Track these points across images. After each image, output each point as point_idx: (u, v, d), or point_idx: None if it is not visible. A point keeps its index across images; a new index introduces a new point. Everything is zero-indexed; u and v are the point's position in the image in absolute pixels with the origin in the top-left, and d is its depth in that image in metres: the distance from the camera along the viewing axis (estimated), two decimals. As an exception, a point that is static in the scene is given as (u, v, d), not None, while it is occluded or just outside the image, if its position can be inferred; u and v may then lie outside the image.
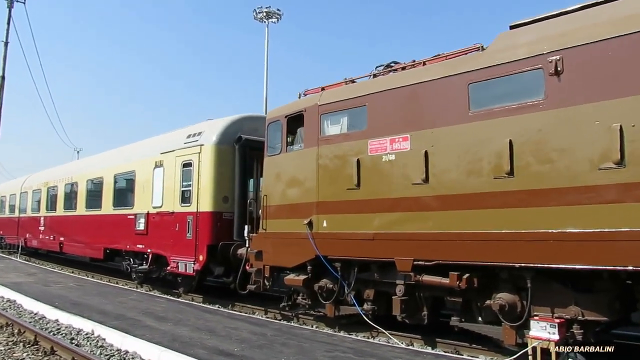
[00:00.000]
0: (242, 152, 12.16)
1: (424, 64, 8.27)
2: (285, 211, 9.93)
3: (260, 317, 10.53)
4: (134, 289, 14.62)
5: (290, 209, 9.77)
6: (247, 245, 11.16)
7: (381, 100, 8.38)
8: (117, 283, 16.75)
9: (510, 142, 6.70)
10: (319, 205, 9.08)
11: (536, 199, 6.47)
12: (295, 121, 10.01)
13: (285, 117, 10.11)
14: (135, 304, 11.26)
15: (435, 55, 8.37)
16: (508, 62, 6.89)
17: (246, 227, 11.19)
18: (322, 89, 9.76)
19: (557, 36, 6.58)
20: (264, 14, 40.32)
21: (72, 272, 20.07)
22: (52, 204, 22.19)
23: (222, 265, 12.27)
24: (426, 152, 7.60)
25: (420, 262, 7.58)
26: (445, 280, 7.33)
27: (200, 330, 8.35)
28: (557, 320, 6.41)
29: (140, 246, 14.46)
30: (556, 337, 6.34)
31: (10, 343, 8.04)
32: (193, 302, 12.18)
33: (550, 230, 6.29)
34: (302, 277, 9.47)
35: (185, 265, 12.38)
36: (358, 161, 8.50)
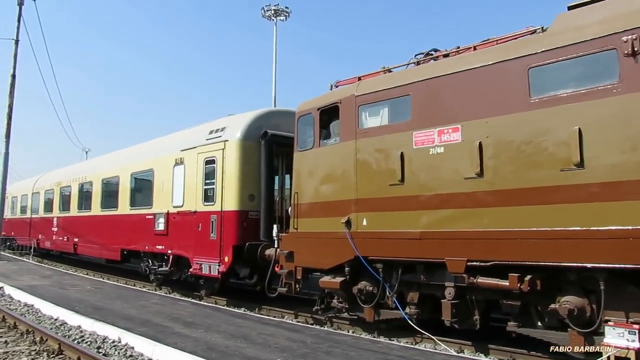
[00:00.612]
0: (268, 147, 11.59)
1: (475, 48, 7.67)
2: (319, 209, 9.36)
3: (294, 322, 9.96)
4: (154, 292, 14.12)
5: (325, 207, 9.20)
6: (275, 246, 10.60)
7: (427, 89, 7.79)
8: (134, 285, 16.26)
9: (580, 131, 6.10)
10: (358, 202, 8.51)
11: (611, 192, 5.86)
12: (328, 114, 9.44)
13: (318, 109, 9.54)
14: (159, 308, 10.72)
15: (485, 40, 7.78)
16: (575, 44, 6.28)
17: (275, 226, 10.63)
18: (359, 78, 9.18)
19: (632, 14, 5.97)
20: (272, 12, 39.90)
21: (87, 274, 19.64)
22: (65, 204, 21.76)
23: (247, 267, 11.73)
24: (480, 144, 7.01)
25: (474, 263, 6.99)
26: (504, 283, 6.73)
27: (235, 338, 7.79)
28: (637, 327, 5.81)
29: (160, 247, 13.95)
30: (636, 344, 5.75)
31: (33, 353, 7.50)
32: (219, 306, 11.63)
33: (628, 227, 5.69)
34: (339, 279, 8.90)
35: (210, 266, 11.84)
36: (402, 155, 7.92)
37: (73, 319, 9.56)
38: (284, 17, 41.06)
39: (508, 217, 6.70)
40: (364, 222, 8.41)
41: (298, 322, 10.29)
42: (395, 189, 7.99)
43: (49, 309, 10.75)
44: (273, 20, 40.31)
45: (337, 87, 10.10)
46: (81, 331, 8.76)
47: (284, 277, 10.13)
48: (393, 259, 8.07)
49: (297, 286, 9.97)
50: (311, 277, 10.13)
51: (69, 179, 21.77)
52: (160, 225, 13.90)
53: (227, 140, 11.77)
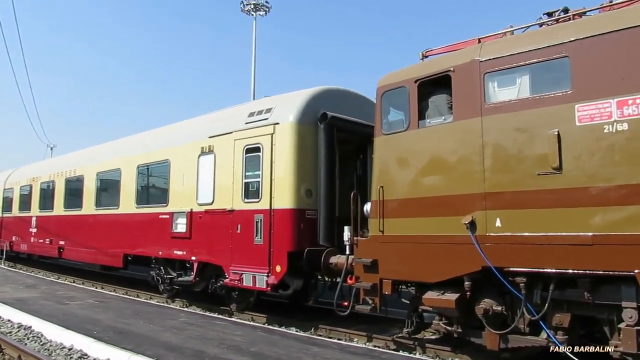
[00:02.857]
0: (328, 133, 9.54)
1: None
2: (419, 207, 7.39)
3: (384, 350, 7.91)
4: (175, 307, 11.82)
5: (429, 204, 7.24)
6: (347, 253, 8.58)
7: (596, 48, 5.94)
8: (137, 296, 13.92)
9: None
10: (488, 197, 6.58)
11: None
12: (430, 87, 7.52)
13: (416, 81, 7.58)
14: (199, 330, 8.52)
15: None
16: None
17: (346, 228, 8.59)
18: (479, 40, 7.28)
19: None
20: (252, 6, 38.34)
21: (75, 282, 17.13)
22: (47, 201, 19.02)
23: (300, 278, 9.67)
24: (694, 118, 5.21)
25: (685, 278, 5.18)
26: None
27: (341, 379, 5.75)
28: None
29: (179, 252, 11.66)
30: None
31: (66, 410, 5.26)
32: (272, 327, 9.41)
33: None
34: (454, 296, 6.96)
35: (254, 277, 9.67)
36: (558, 134, 6.04)
37: (95, 348, 7.31)
38: (264, 12, 39.62)
39: None
40: (498, 223, 6.49)
41: (377, 347, 8.29)
42: (548, 179, 6.11)
43: (54, 332, 8.41)
44: (252, 15, 38.78)
45: (426, 57, 8.22)
46: (115, 368, 6.54)
47: (363, 291, 8.12)
48: (544, 272, 6.17)
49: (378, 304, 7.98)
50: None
51: (51, 173, 19.07)
52: (181, 227, 11.63)
53: (277, 124, 9.64)
